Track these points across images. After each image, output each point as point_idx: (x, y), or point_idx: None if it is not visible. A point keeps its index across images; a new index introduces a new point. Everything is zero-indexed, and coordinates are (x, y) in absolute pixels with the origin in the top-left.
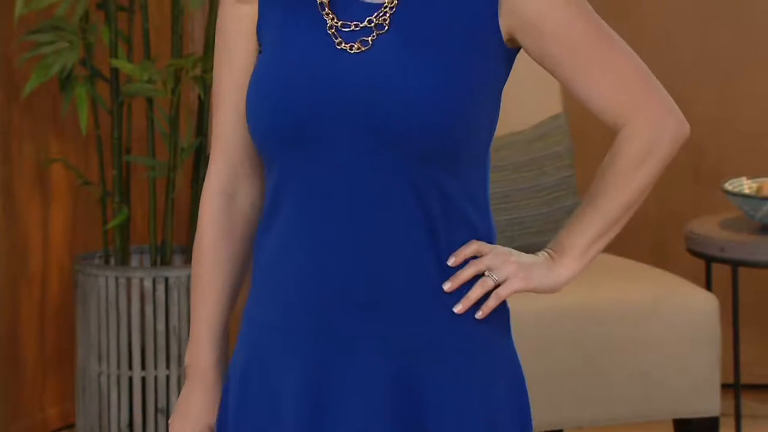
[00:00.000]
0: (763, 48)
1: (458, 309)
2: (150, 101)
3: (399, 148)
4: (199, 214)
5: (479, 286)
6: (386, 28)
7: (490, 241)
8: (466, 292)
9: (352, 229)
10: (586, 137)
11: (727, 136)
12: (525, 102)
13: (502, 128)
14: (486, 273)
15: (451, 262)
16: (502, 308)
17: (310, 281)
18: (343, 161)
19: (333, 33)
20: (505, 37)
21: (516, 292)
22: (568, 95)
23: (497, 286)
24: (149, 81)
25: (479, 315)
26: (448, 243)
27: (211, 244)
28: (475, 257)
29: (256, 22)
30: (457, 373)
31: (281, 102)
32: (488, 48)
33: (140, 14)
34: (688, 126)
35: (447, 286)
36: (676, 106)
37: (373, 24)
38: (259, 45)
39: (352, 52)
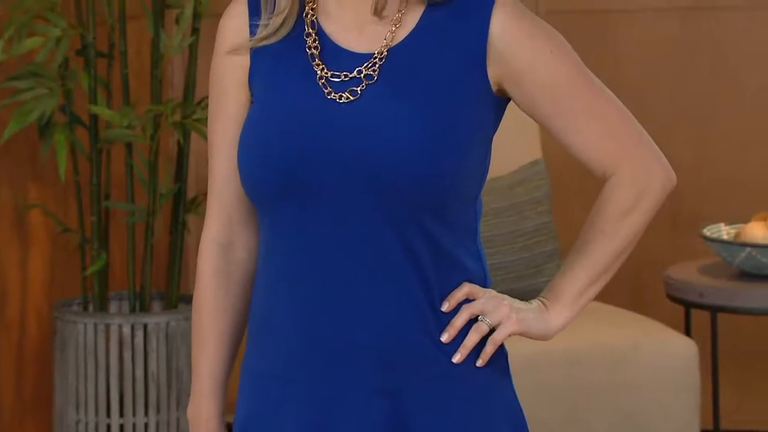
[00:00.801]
0: (738, 94)
1: (457, 359)
2: (129, 147)
3: (389, 198)
4: (198, 265)
5: (475, 332)
6: (375, 78)
7: (485, 286)
8: (462, 337)
9: (344, 278)
10: (565, 183)
11: (705, 182)
12: (505, 148)
13: None
14: (480, 317)
15: (445, 307)
16: (500, 350)
17: (305, 331)
18: (333, 211)
19: (323, 83)
20: (494, 87)
21: (511, 335)
22: (548, 141)
23: (492, 330)
24: (128, 127)
25: (479, 363)
26: (440, 289)
27: (211, 295)
28: (467, 300)
29: (246, 71)
30: (458, 420)
31: (271, 152)
32: (477, 98)
33: (120, 60)
34: (674, 174)
35: (444, 337)
36: (663, 155)
37: (362, 74)
38: (251, 95)
39: (341, 102)
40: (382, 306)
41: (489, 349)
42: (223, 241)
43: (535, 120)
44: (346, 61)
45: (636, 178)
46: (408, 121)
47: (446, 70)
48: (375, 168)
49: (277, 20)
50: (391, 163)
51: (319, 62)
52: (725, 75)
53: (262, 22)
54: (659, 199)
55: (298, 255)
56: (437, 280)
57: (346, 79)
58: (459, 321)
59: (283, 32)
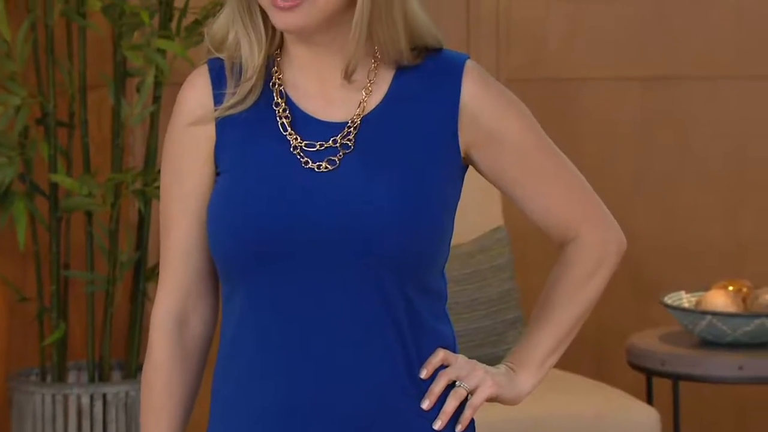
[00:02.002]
0: (700, 164)
1: (438, 425)
2: (89, 215)
3: (371, 267)
4: (150, 339)
5: (453, 398)
6: (351, 147)
7: (454, 351)
8: (441, 403)
9: (323, 348)
10: (527, 250)
11: (665, 251)
12: (466, 215)
13: None
14: (457, 383)
15: (423, 374)
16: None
17: (283, 401)
18: (313, 281)
19: (298, 153)
20: (462, 153)
21: (488, 398)
22: (509, 208)
23: (469, 393)
24: (89, 195)
25: (459, 429)
26: (418, 355)
27: (163, 371)
28: (442, 366)
29: (211, 143)
30: None
31: (250, 223)
32: (449, 164)
33: (80, 129)
34: (625, 240)
35: (425, 405)
36: (615, 221)
37: (338, 144)
38: (216, 167)
39: (319, 171)
40: (363, 374)
41: (468, 414)
42: (178, 316)
43: (498, 185)
44: (319, 131)
45: (595, 244)
46: (388, 190)
47: (420, 136)
48: (358, 238)
49: (245, 87)
50: (375, 233)
51: (292, 132)
52: (686, 144)
53: (228, 90)
54: (615, 264)
55: (276, 326)
56: (415, 346)
57: (322, 148)
58: (437, 388)
59: (251, 100)
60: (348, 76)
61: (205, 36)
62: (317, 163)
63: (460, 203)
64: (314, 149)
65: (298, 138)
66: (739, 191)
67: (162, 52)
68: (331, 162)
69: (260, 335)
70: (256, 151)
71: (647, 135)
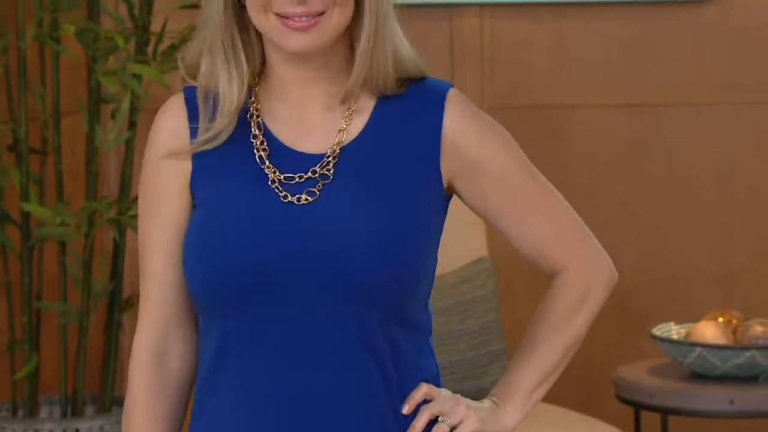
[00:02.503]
0: (687, 191)
1: None
2: (62, 245)
3: (357, 301)
4: (129, 374)
5: None
6: (331, 178)
7: (438, 385)
8: None
9: (306, 384)
10: (511, 281)
11: (654, 280)
12: (449, 245)
13: None
14: (439, 418)
15: (406, 410)
16: None
17: None
18: (293, 317)
19: (276, 187)
20: (445, 183)
21: None
22: (493, 238)
23: (452, 429)
24: (62, 224)
25: None
26: (400, 390)
27: (143, 406)
28: (425, 401)
29: (186, 176)
30: None
31: (229, 260)
32: (431, 194)
33: (53, 156)
34: (616, 272)
35: None
36: (605, 252)
37: (317, 174)
38: (193, 199)
39: (299, 204)
40: (344, 410)
41: None
42: (157, 349)
43: (483, 216)
44: (298, 162)
45: (584, 276)
46: (370, 222)
47: (402, 166)
48: (339, 271)
49: (220, 123)
50: (357, 266)
51: (270, 165)
52: (674, 172)
53: (202, 124)
54: (605, 296)
55: (254, 365)
56: (397, 381)
57: (301, 180)
58: (419, 424)
59: (225, 136)
60: (344, 101)
61: (179, 63)
62: (296, 196)
63: (443, 233)
64: (293, 182)
65: (276, 171)
66: (729, 219)
67: (138, 77)
68: (310, 194)
69: (237, 371)
70: (233, 186)
71: (634, 163)
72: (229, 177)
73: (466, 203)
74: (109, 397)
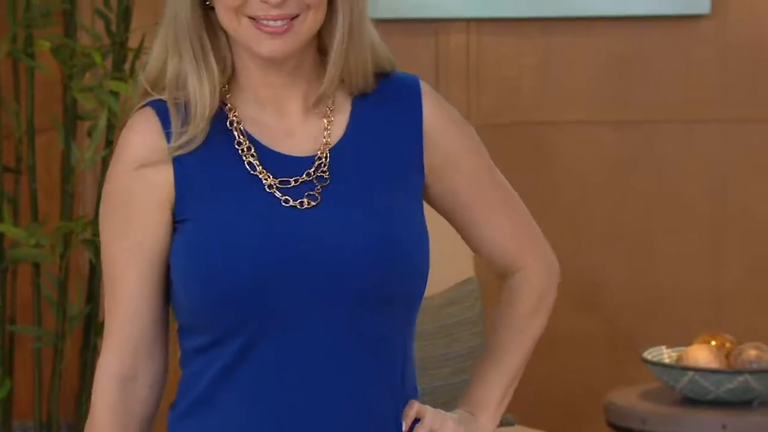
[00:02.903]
0: (678, 209)
1: None
2: (37, 266)
3: (374, 304)
4: (93, 400)
5: None
6: (328, 180)
7: (416, 397)
8: None
9: (323, 395)
10: (497, 303)
11: (644, 302)
12: (435, 265)
13: None
14: None
15: (404, 428)
16: None
17: None
18: (317, 324)
19: (274, 191)
20: (425, 177)
21: None
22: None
23: None
24: (36, 245)
25: None
26: (403, 394)
27: None
28: (416, 420)
29: (169, 190)
30: None
31: (253, 268)
32: (418, 191)
33: (27, 175)
34: (560, 271)
35: None
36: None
37: (312, 177)
38: (174, 215)
39: (302, 208)
40: (355, 414)
41: None
42: (125, 375)
43: (446, 211)
44: (289, 166)
45: (541, 276)
46: (378, 220)
47: (393, 163)
48: (359, 272)
49: (195, 127)
50: (378, 267)
51: (262, 170)
52: (664, 191)
53: (176, 130)
54: (554, 298)
55: (271, 377)
56: (402, 390)
57: (297, 184)
58: None
59: (199, 141)
60: (317, 105)
61: (140, 76)
62: (298, 200)
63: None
64: (289, 186)
65: (270, 176)
66: (720, 238)
67: (115, 94)
68: (311, 197)
69: (249, 386)
70: (228, 196)
71: (624, 180)
72: (220, 187)
73: (431, 198)
74: (85, 423)
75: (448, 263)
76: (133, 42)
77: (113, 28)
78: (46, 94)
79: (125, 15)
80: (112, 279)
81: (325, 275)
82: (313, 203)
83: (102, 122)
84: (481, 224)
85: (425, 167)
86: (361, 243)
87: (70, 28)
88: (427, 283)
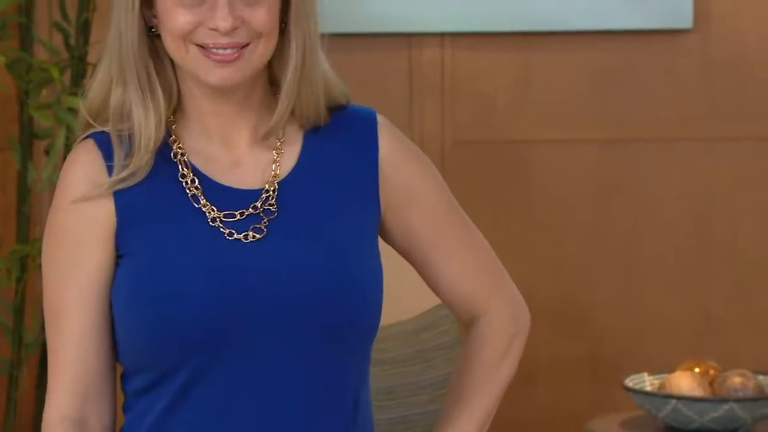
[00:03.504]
0: (661, 230)
1: None
2: None
3: (317, 336)
4: None
5: None
6: (275, 213)
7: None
8: None
9: (270, 430)
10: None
11: (626, 327)
12: (409, 289)
13: (384, 318)
14: None
15: None
16: None
17: None
18: (260, 360)
19: (218, 225)
20: (381, 213)
21: None
22: None
23: None
24: None
25: None
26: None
27: None
28: None
29: (111, 224)
30: None
31: (192, 303)
32: (373, 226)
33: None
34: (530, 314)
35: None
36: (520, 294)
37: (259, 210)
38: (117, 249)
39: (247, 242)
40: None
41: None
42: (75, 417)
43: (405, 250)
44: (235, 199)
45: (508, 319)
46: (326, 255)
47: (344, 197)
48: (303, 307)
49: (138, 160)
50: (320, 300)
51: (207, 203)
52: (646, 212)
53: (118, 163)
54: (525, 339)
55: (219, 405)
56: (354, 427)
57: (243, 217)
58: None
59: (143, 174)
60: (266, 138)
61: (81, 107)
62: (243, 234)
63: (400, 276)
64: (234, 219)
65: (215, 209)
66: (705, 262)
67: (73, 111)
68: (257, 230)
69: (193, 425)
70: (171, 229)
71: (605, 201)
72: (163, 220)
73: (389, 236)
74: None
75: (421, 286)
76: (92, 56)
77: (72, 41)
78: (2, 112)
79: (84, 28)
80: (57, 316)
81: (270, 309)
82: (258, 236)
83: (60, 141)
84: (439, 265)
85: (381, 203)
86: (309, 276)
87: (26, 41)
88: (377, 316)
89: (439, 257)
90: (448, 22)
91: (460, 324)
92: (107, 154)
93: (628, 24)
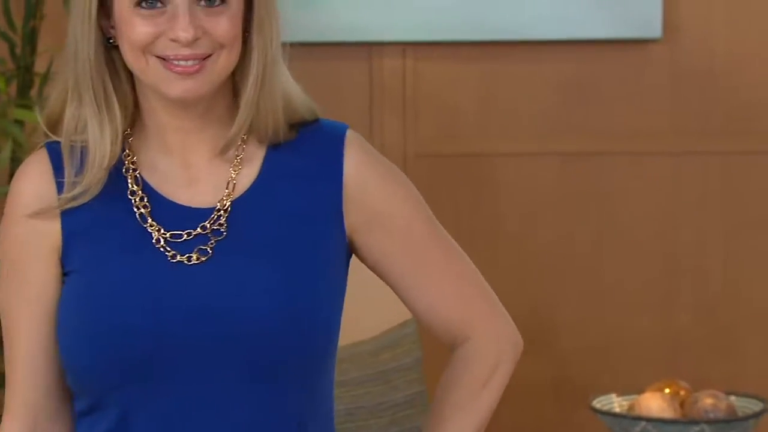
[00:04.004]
0: (627, 245)
1: None
2: None
3: (255, 366)
4: None
5: None
6: (224, 233)
7: None
8: None
9: None
10: (438, 348)
11: (592, 346)
12: (369, 308)
13: (344, 338)
14: None
15: None
16: None
17: None
18: (192, 390)
19: (162, 246)
20: (347, 236)
21: None
22: None
23: None
24: None
25: None
26: None
27: None
28: None
29: (56, 240)
30: None
31: (116, 331)
32: (335, 249)
33: None
34: (521, 340)
35: None
36: (512, 320)
37: (207, 230)
38: (63, 267)
39: (190, 264)
40: None
41: None
42: None
43: (382, 275)
44: (184, 218)
45: (490, 348)
46: (271, 281)
47: (302, 219)
48: (241, 337)
49: (90, 177)
50: (260, 330)
51: (153, 223)
52: (613, 227)
53: (68, 179)
54: (512, 368)
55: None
56: None
57: (190, 237)
58: None
59: (96, 191)
60: (225, 151)
61: (39, 117)
62: (186, 255)
63: (360, 294)
64: (181, 240)
65: (161, 229)
66: (673, 278)
67: (20, 123)
68: (202, 252)
69: None
70: (112, 248)
71: (569, 216)
72: (106, 239)
73: (363, 260)
74: None
75: (382, 304)
76: (40, 66)
77: (18, 51)
78: None
79: (31, 37)
80: (10, 337)
81: (204, 337)
82: (203, 258)
83: (5, 154)
84: (418, 289)
85: (346, 225)
86: (253, 302)
87: None
88: (331, 345)
89: (415, 282)
90: (410, 31)
91: (422, 344)
92: (58, 168)
93: (596, 33)
